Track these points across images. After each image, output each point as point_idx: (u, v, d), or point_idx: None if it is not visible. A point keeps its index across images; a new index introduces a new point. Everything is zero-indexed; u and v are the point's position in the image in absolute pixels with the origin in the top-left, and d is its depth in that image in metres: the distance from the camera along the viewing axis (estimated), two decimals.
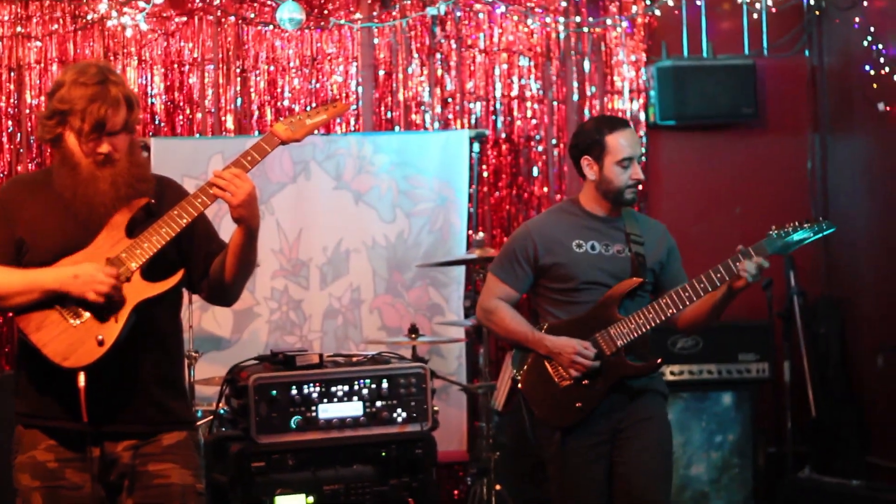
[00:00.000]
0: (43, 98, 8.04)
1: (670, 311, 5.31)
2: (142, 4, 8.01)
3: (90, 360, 4.02)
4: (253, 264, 4.35)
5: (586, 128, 5.58)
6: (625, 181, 5.40)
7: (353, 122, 8.43)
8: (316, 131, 4.48)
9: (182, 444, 4.33)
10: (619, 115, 8.53)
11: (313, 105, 8.17)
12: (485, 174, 8.50)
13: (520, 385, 5.49)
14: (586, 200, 5.53)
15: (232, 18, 8.31)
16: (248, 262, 4.31)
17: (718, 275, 5.22)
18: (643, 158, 5.59)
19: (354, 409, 6.30)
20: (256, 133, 8.21)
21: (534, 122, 8.60)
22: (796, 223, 5.27)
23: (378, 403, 6.33)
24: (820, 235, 5.31)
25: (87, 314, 4.05)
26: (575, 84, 8.67)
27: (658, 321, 5.33)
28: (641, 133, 8.60)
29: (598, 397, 5.35)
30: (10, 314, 4.24)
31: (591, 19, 8.62)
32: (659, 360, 5.43)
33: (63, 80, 4.13)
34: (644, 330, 5.33)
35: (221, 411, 6.53)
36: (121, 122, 4.11)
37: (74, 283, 4.01)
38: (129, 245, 4.10)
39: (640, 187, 5.52)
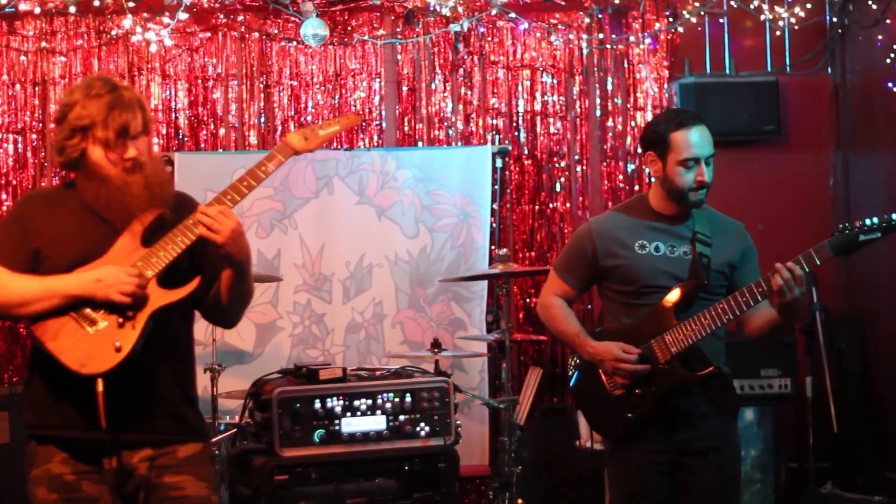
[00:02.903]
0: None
1: (727, 316, 4.95)
2: (166, 20, 8.04)
3: (108, 367, 4.00)
4: (247, 295, 4.33)
5: (654, 121, 5.30)
6: (688, 183, 5.11)
7: (375, 138, 8.45)
8: (326, 144, 4.47)
9: (197, 456, 4.32)
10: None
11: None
12: (508, 190, 8.52)
13: (574, 388, 5.34)
14: (654, 198, 5.21)
15: (256, 34, 8.35)
16: (242, 294, 4.30)
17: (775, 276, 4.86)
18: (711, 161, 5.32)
19: (378, 422, 6.33)
20: None
21: (556, 137, 8.61)
22: (864, 221, 4.96)
23: (401, 417, 6.35)
24: (889, 234, 4.94)
25: (103, 322, 4.04)
26: (598, 100, 8.68)
27: (714, 327, 4.97)
28: None
29: (649, 408, 5.03)
30: (23, 325, 4.20)
31: (613, 36, 8.64)
32: (711, 369, 5.01)
33: (73, 100, 4.14)
34: (699, 336, 4.98)
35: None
36: (140, 125, 4.14)
37: (98, 286, 4.01)
38: (144, 254, 4.10)
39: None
